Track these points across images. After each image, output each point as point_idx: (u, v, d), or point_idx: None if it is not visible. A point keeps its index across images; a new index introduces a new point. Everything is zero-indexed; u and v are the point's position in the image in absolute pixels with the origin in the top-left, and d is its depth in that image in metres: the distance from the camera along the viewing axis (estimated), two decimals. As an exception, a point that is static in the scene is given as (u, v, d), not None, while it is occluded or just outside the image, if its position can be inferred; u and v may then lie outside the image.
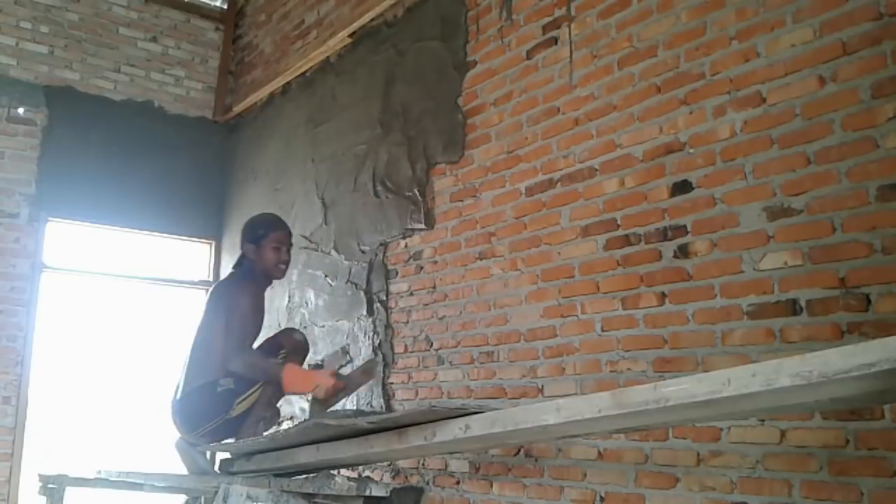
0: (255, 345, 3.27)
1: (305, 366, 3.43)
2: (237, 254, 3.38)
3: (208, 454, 3.53)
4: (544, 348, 2.92)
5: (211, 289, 3.49)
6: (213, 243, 5.65)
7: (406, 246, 3.77)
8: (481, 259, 3.29)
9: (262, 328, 3.33)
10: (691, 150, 2.52)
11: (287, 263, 3.33)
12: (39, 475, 3.25)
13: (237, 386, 3.03)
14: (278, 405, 3.27)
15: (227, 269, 5.45)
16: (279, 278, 3.38)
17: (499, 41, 3.35)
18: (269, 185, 5.09)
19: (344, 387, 3.08)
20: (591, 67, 2.91)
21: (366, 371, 3.31)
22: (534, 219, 3.06)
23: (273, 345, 3.24)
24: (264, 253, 3.27)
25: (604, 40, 2.87)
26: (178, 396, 3.13)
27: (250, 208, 5.27)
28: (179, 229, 5.53)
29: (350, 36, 4.41)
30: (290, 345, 3.21)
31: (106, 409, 5.29)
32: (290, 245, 3.36)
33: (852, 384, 1.34)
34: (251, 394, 3.04)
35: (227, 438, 3.10)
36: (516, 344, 3.04)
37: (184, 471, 3.25)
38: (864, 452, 1.98)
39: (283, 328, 3.43)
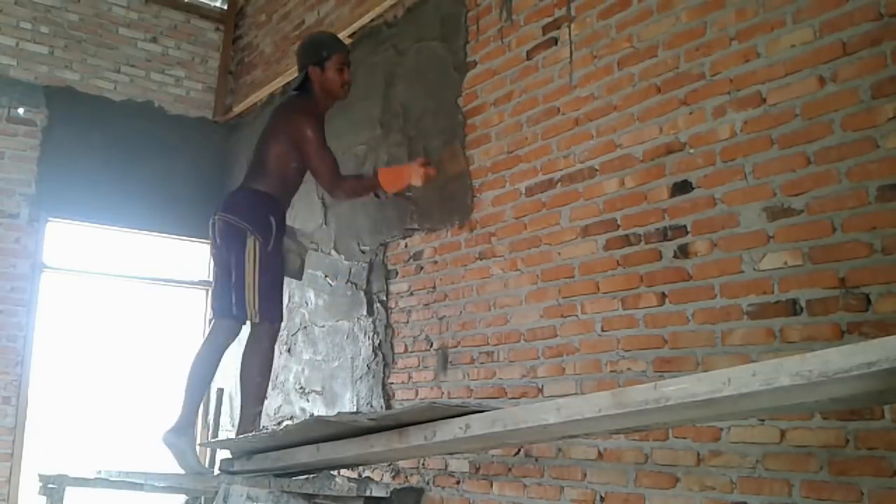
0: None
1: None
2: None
3: (208, 454, 3.53)
4: (544, 348, 2.92)
5: (277, 107, 3.62)
6: (213, 243, 5.64)
7: (406, 246, 3.77)
8: (481, 259, 3.29)
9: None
10: (691, 150, 2.52)
11: (350, 84, 3.48)
12: (39, 475, 3.25)
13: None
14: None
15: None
16: (343, 99, 3.52)
17: (499, 41, 3.35)
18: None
19: (435, 169, 3.35)
20: (591, 68, 2.91)
21: (451, 150, 3.42)
22: (534, 219, 3.06)
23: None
24: (329, 74, 3.38)
25: (604, 40, 2.87)
26: (235, 188, 3.40)
27: (250, 208, 5.27)
28: (179, 229, 5.53)
29: (350, 36, 4.41)
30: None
31: (106, 409, 5.29)
32: (350, 64, 3.48)
33: (852, 384, 1.35)
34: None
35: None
36: (516, 344, 3.04)
37: (177, 468, 3.26)
38: (864, 452, 1.98)
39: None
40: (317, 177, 3.37)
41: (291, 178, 3.41)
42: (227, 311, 3.36)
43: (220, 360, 3.41)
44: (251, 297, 3.19)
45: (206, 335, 3.45)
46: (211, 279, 3.57)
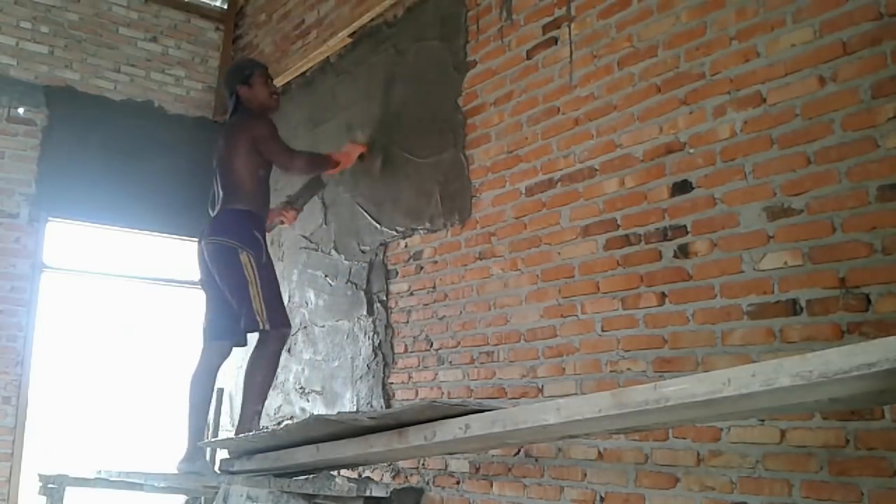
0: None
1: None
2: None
3: (209, 453, 3.53)
4: (544, 348, 2.92)
5: (224, 128, 3.71)
6: (213, 243, 5.63)
7: (406, 246, 3.77)
8: (481, 259, 3.29)
9: None
10: (691, 150, 2.52)
11: (278, 94, 3.70)
12: (39, 475, 3.25)
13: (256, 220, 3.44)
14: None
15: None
16: (275, 109, 3.70)
17: (499, 41, 3.35)
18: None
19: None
20: (591, 67, 2.91)
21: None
22: (534, 219, 3.06)
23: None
24: (256, 89, 3.58)
25: (604, 40, 2.87)
26: (215, 212, 3.48)
27: (250, 208, 5.27)
28: (179, 229, 5.52)
29: (350, 36, 4.41)
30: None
31: (106, 409, 5.29)
32: (272, 78, 3.73)
33: (852, 384, 1.35)
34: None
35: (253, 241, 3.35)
36: (516, 344, 3.04)
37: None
38: (864, 452, 1.98)
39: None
40: (274, 157, 3.52)
41: (263, 189, 3.54)
42: (222, 333, 3.40)
43: (215, 380, 3.46)
44: (259, 307, 3.26)
45: (199, 359, 3.45)
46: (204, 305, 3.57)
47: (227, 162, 3.48)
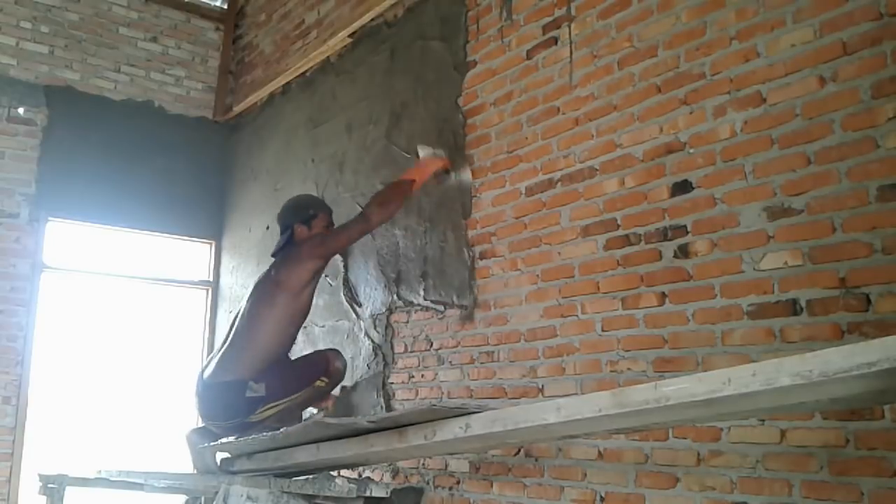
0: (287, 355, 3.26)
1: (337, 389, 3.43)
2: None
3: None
4: (544, 348, 2.92)
5: (255, 281, 3.32)
6: (213, 243, 5.64)
7: (406, 246, 3.77)
8: (481, 259, 3.29)
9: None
10: (691, 150, 2.52)
11: None
12: (39, 475, 3.26)
13: (268, 394, 2.96)
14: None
15: (227, 269, 5.46)
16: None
17: (499, 41, 3.35)
18: (269, 185, 5.09)
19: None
20: (591, 67, 2.91)
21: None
22: (534, 219, 3.06)
23: (314, 369, 3.15)
24: (315, 233, 3.20)
25: (604, 40, 2.87)
26: (207, 380, 3.02)
27: (250, 208, 5.27)
28: (179, 229, 5.53)
29: (350, 36, 4.41)
30: (332, 374, 3.15)
31: (106, 409, 5.29)
32: (333, 224, 3.32)
33: (852, 384, 1.35)
34: (279, 405, 2.98)
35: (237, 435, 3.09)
36: (516, 344, 3.04)
37: (189, 463, 3.26)
38: (864, 452, 1.98)
39: (324, 349, 3.45)
40: (350, 241, 3.20)
41: (289, 333, 3.18)
42: None
43: None
44: None
45: None
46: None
47: (245, 317, 3.09)
